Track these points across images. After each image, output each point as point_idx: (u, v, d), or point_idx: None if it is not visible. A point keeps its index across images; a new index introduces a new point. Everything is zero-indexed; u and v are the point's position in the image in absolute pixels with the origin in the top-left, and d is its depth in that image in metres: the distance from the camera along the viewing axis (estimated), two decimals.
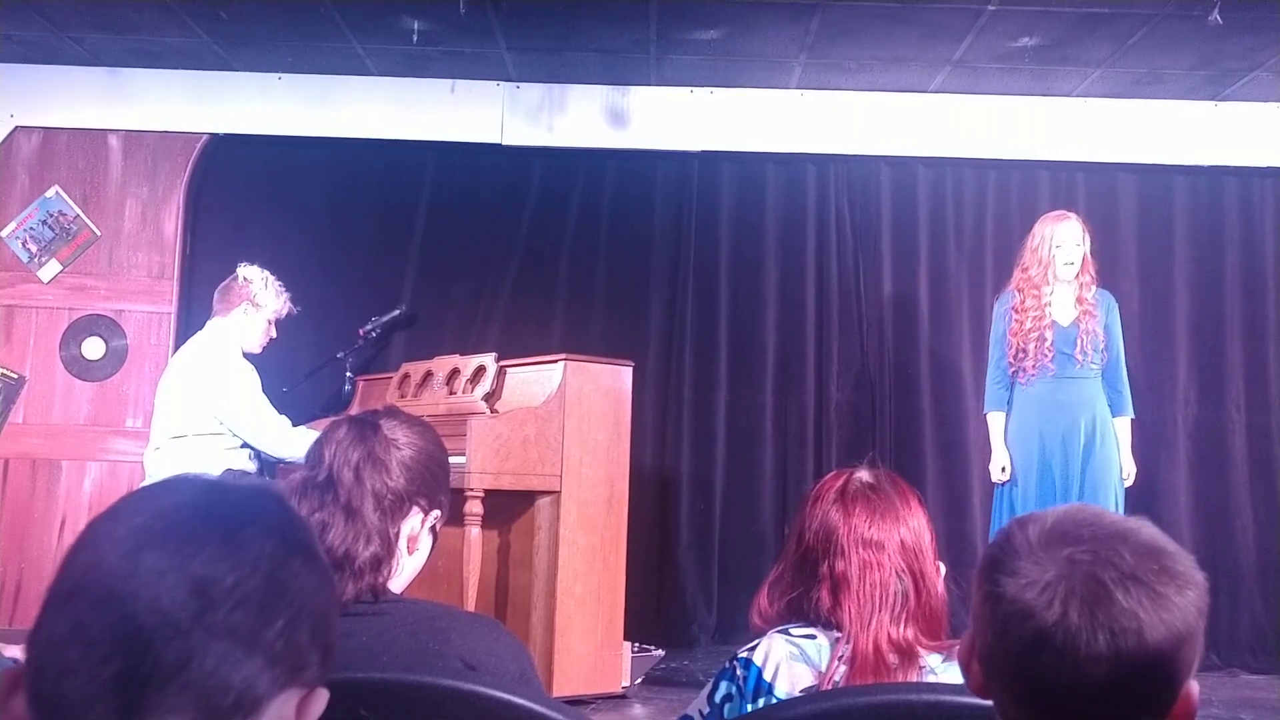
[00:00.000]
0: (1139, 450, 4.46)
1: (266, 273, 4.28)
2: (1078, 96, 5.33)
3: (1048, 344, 4.26)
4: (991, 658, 1.00)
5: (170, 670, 0.71)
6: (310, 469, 1.62)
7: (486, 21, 4.68)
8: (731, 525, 5.31)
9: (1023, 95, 5.33)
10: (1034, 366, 4.28)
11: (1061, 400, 4.27)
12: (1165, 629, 0.94)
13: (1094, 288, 4.36)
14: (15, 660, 1.47)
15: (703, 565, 5.27)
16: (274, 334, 4.30)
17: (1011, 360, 4.34)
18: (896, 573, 1.63)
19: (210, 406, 4.00)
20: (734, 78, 5.28)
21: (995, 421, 4.44)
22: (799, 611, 1.67)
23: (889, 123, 5.39)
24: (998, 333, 4.46)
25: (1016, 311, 4.34)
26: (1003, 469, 4.38)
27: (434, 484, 1.72)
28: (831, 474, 1.76)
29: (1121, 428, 4.34)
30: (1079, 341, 4.25)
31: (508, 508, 4.09)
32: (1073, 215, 4.40)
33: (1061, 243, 4.28)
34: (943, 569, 1.71)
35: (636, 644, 4.42)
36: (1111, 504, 4.20)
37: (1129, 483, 4.33)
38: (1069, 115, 5.37)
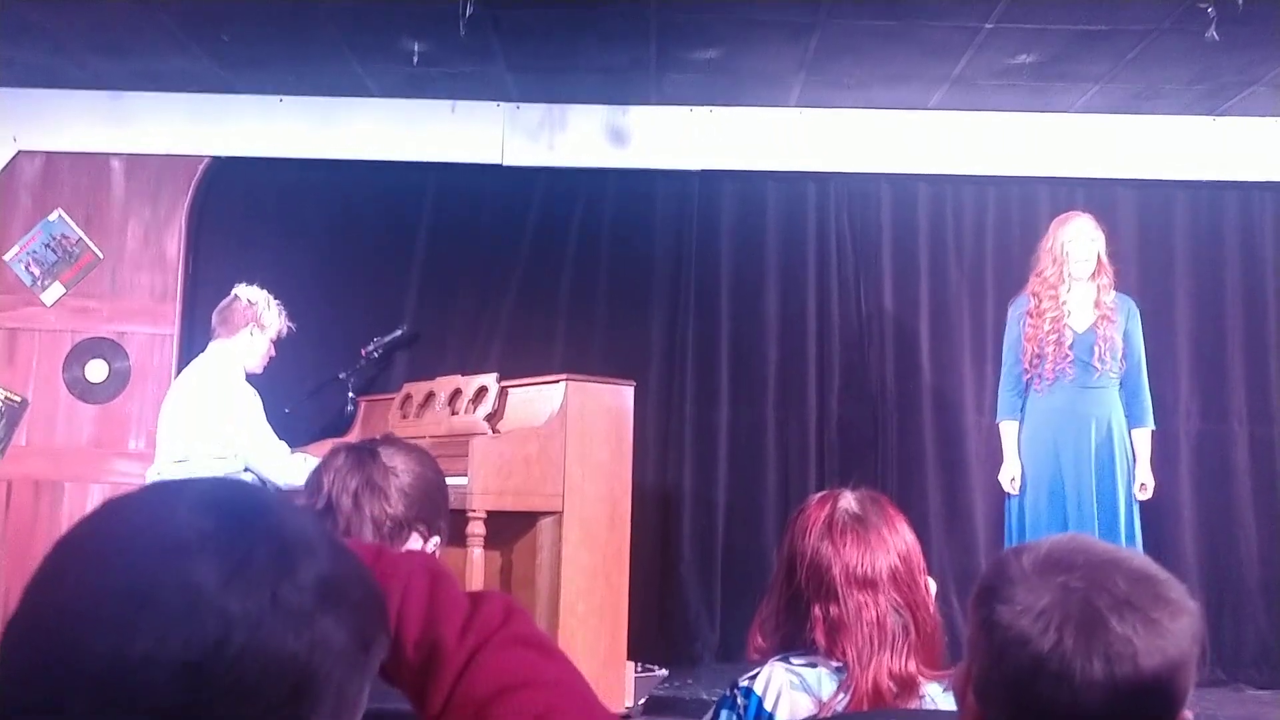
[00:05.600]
0: None
1: (266, 292, 4.31)
2: (1076, 112, 5.34)
3: (1066, 346, 4.15)
4: (987, 686, 1.01)
5: None
6: (309, 497, 1.63)
7: (487, 42, 4.70)
8: (734, 543, 5.30)
9: (1021, 111, 5.35)
10: (1052, 371, 4.17)
11: (1077, 410, 4.16)
12: (1160, 655, 0.95)
13: (1112, 292, 4.25)
14: None
15: (706, 583, 5.26)
16: (274, 353, 4.33)
17: (1027, 366, 4.24)
18: (893, 608, 1.61)
19: (215, 431, 4.01)
20: (734, 96, 5.29)
21: (1008, 430, 4.33)
22: (794, 645, 1.66)
23: (888, 140, 5.41)
24: (1011, 338, 4.36)
25: (1032, 315, 4.25)
26: (1012, 479, 4.29)
27: (433, 510, 1.73)
28: (815, 500, 1.72)
29: (1140, 439, 4.24)
30: (1096, 348, 4.14)
31: (510, 527, 4.09)
32: (1086, 214, 4.35)
33: (1073, 238, 4.21)
34: (933, 586, 1.70)
35: (640, 663, 4.41)
36: (1122, 518, 4.11)
37: (1146, 496, 4.23)
38: (1068, 131, 5.38)
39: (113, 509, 0.70)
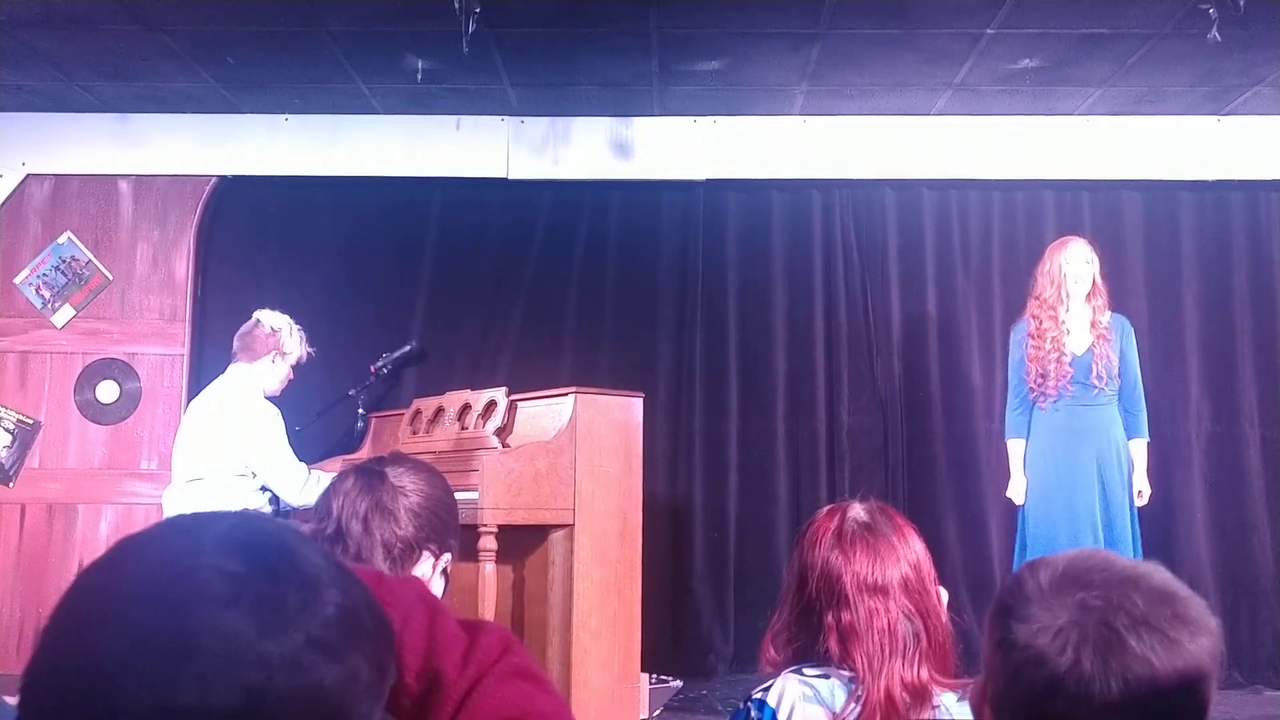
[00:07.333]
0: (1153, 468, 4.47)
1: (288, 319, 4.30)
2: (1080, 115, 5.33)
3: (1067, 363, 4.34)
4: (1004, 703, 1.00)
5: None
6: (318, 521, 1.63)
7: (490, 58, 4.71)
8: (746, 554, 5.30)
9: (1025, 116, 5.35)
10: (1054, 388, 4.35)
11: (1078, 427, 4.34)
12: (1178, 675, 0.93)
13: (1107, 312, 4.44)
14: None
15: (718, 594, 5.26)
16: (293, 377, 4.36)
17: (1032, 385, 4.42)
18: (904, 615, 1.61)
19: (238, 452, 4.02)
20: (737, 106, 5.30)
21: (1015, 448, 4.52)
22: (807, 656, 1.66)
23: (893, 146, 5.41)
24: (1014, 360, 4.55)
25: (1033, 336, 4.43)
26: (1020, 494, 4.48)
27: (443, 528, 1.73)
28: (824, 512, 1.73)
29: (1137, 449, 4.41)
30: (1094, 367, 4.34)
31: (521, 542, 4.09)
32: (1080, 238, 4.54)
33: (1069, 260, 4.41)
34: (945, 596, 1.70)
35: (654, 675, 4.41)
36: (1127, 528, 4.28)
37: (1143, 502, 4.37)
38: (1072, 134, 5.38)
39: (131, 551, 0.69)
